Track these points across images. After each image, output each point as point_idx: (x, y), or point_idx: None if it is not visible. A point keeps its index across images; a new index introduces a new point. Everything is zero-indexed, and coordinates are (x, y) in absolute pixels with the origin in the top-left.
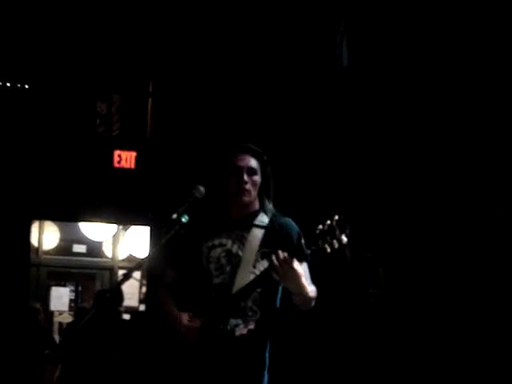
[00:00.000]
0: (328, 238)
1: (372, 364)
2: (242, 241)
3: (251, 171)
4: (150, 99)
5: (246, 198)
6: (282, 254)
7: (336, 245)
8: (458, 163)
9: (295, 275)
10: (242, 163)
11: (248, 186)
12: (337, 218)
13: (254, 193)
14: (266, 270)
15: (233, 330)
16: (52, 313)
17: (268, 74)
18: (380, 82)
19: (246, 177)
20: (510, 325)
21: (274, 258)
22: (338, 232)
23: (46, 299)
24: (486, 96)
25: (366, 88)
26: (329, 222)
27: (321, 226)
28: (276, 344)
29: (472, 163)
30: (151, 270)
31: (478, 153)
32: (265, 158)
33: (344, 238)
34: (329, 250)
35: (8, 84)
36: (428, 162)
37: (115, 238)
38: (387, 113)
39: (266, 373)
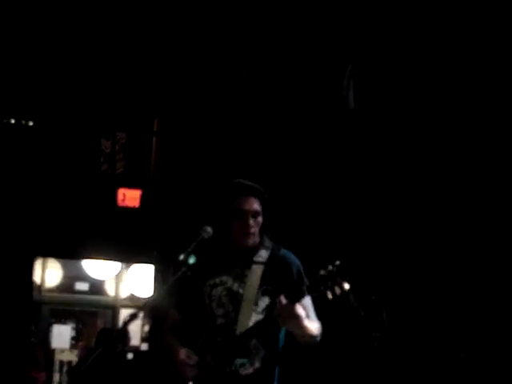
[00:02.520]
0: (329, 284)
1: None
2: (242, 279)
3: (256, 214)
4: (155, 137)
5: (251, 241)
6: (282, 301)
7: (338, 291)
8: (462, 206)
9: (297, 320)
10: (246, 207)
11: (253, 230)
12: (338, 263)
13: (257, 234)
14: (269, 312)
15: (237, 370)
16: (53, 350)
17: (274, 114)
18: (387, 125)
19: (251, 221)
20: None
21: (276, 306)
22: (339, 278)
23: (47, 337)
24: (496, 133)
25: (373, 130)
26: (330, 267)
27: (322, 272)
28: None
29: (479, 203)
30: (155, 310)
31: (485, 191)
32: (266, 196)
33: (346, 285)
34: (330, 296)
35: (12, 121)
36: (433, 205)
37: (118, 276)
38: (393, 154)
39: None
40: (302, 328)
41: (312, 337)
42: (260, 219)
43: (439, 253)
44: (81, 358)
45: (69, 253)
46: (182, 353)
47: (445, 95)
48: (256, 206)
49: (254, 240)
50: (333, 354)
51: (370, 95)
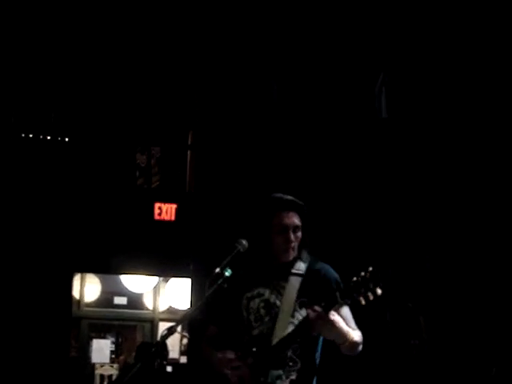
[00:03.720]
0: (362, 290)
1: None
2: (279, 290)
3: (296, 229)
4: (189, 151)
5: (291, 256)
6: (315, 311)
7: (371, 297)
8: (496, 209)
9: (333, 326)
10: (288, 221)
11: (294, 244)
12: (371, 269)
13: (296, 248)
14: (303, 320)
15: (274, 382)
16: (93, 365)
17: (308, 125)
18: (419, 133)
19: (292, 236)
20: None
21: (309, 313)
22: (371, 284)
23: (86, 351)
24: None
25: (405, 139)
26: (362, 273)
27: (355, 278)
28: None
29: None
30: (194, 323)
31: None
32: (305, 210)
33: (378, 291)
34: (363, 302)
35: (48, 137)
36: (468, 209)
37: (156, 289)
38: (426, 162)
39: None
40: (341, 334)
41: (354, 343)
42: (299, 234)
43: (476, 259)
44: (121, 372)
45: (106, 267)
46: (223, 353)
47: (475, 104)
48: (296, 220)
49: (294, 254)
50: (371, 364)
51: (402, 104)
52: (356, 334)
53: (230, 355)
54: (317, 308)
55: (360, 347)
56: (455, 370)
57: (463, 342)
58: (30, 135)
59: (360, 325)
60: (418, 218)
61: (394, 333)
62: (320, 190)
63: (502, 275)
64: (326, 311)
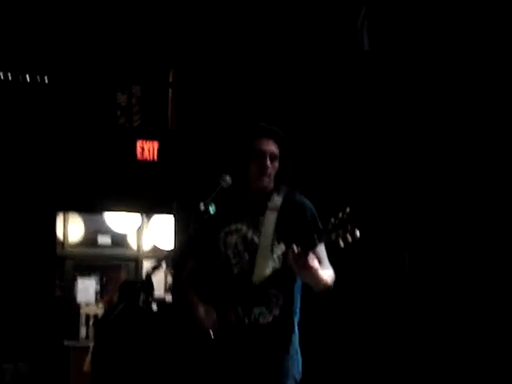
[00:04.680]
0: (341, 232)
1: (401, 350)
2: (257, 226)
3: (273, 157)
4: (171, 89)
5: (266, 183)
6: (295, 251)
7: (349, 239)
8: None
9: (310, 271)
10: (265, 147)
11: (269, 171)
12: (348, 210)
13: (272, 178)
14: (284, 260)
15: (257, 319)
16: (79, 305)
17: (289, 58)
18: (401, 67)
19: (268, 162)
20: None
21: (289, 253)
22: (349, 226)
23: (71, 291)
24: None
25: (387, 72)
26: (340, 214)
27: (333, 220)
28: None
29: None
30: (176, 259)
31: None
32: (286, 144)
33: (357, 233)
34: (342, 244)
35: (28, 77)
36: (452, 143)
37: (140, 228)
38: (408, 96)
39: (296, 356)
40: (316, 279)
41: (326, 286)
42: (277, 164)
43: (461, 194)
44: (105, 311)
45: (90, 206)
46: (201, 310)
47: (460, 40)
48: (274, 148)
49: (269, 183)
50: (356, 300)
51: (384, 37)
52: (328, 275)
53: (213, 315)
54: (296, 250)
55: (331, 287)
56: (438, 307)
57: (448, 277)
58: (9, 76)
59: (344, 261)
60: (402, 152)
61: (379, 268)
62: (302, 124)
63: (487, 208)
64: (304, 253)
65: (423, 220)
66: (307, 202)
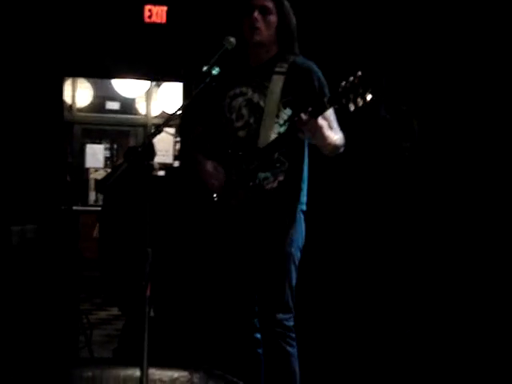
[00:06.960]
0: (351, 96)
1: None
2: (262, 90)
3: (264, 10)
4: None
5: (257, 37)
6: (303, 115)
7: (360, 103)
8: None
9: (319, 131)
10: (254, 1)
11: (259, 24)
12: (360, 74)
13: (266, 33)
14: (291, 124)
15: (262, 184)
16: (87, 170)
17: None
18: None
19: (256, 14)
20: None
21: (298, 118)
22: (361, 89)
23: (81, 157)
24: None
25: None
26: (351, 78)
27: (343, 83)
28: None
29: None
30: (182, 124)
31: None
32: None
33: (368, 96)
34: (352, 108)
35: None
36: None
37: (148, 94)
38: None
39: (300, 225)
40: (325, 139)
41: (336, 147)
42: (271, 18)
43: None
44: (107, 174)
45: (97, 71)
46: (209, 164)
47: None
48: (266, 2)
49: (262, 38)
50: (362, 168)
51: None
52: (338, 136)
53: (220, 171)
54: (304, 115)
55: (341, 149)
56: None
57: (455, 147)
58: None
59: (350, 127)
60: (412, 22)
61: (387, 134)
62: None
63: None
64: (314, 117)
65: (434, 86)
66: (314, 66)
